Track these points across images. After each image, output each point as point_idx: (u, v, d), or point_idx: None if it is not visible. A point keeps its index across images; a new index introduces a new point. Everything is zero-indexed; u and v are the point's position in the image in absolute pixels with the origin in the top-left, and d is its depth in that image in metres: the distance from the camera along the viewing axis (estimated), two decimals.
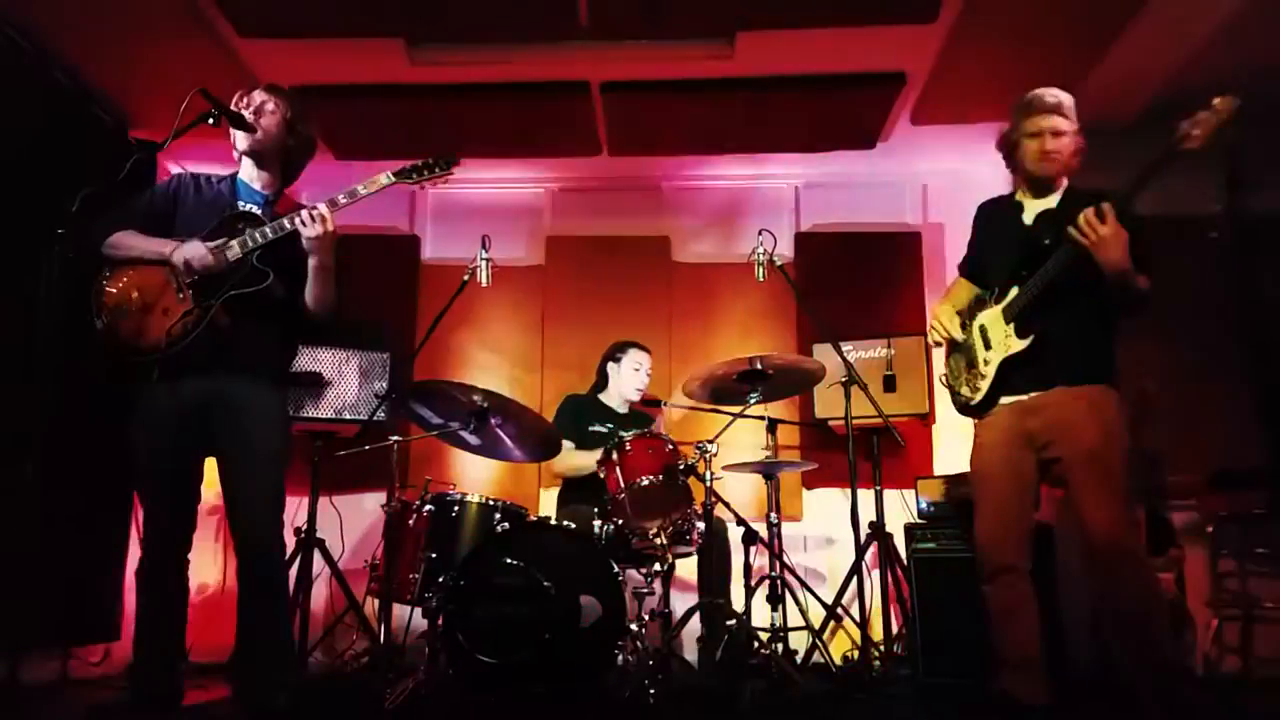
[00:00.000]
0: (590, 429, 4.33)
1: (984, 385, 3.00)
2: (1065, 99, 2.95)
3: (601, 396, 4.59)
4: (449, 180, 3.08)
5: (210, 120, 2.80)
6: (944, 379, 3.24)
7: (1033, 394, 2.92)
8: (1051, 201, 3.00)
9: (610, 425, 4.27)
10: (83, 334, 2.77)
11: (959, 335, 3.11)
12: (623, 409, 4.54)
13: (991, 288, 3.07)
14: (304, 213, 2.85)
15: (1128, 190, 2.73)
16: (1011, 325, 2.93)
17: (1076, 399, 2.84)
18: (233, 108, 2.98)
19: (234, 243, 2.85)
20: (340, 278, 3.01)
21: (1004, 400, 2.99)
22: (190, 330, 2.79)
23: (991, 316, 3.02)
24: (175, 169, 4.87)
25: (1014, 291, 2.94)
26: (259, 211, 2.95)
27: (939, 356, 4.45)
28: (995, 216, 3.20)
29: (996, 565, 2.93)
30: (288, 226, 2.85)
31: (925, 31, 4.02)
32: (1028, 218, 3.03)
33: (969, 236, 3.33)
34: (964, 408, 3.13)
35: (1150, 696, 2.69)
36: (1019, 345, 2.90)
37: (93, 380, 3.65)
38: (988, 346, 3.02)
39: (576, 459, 4.24)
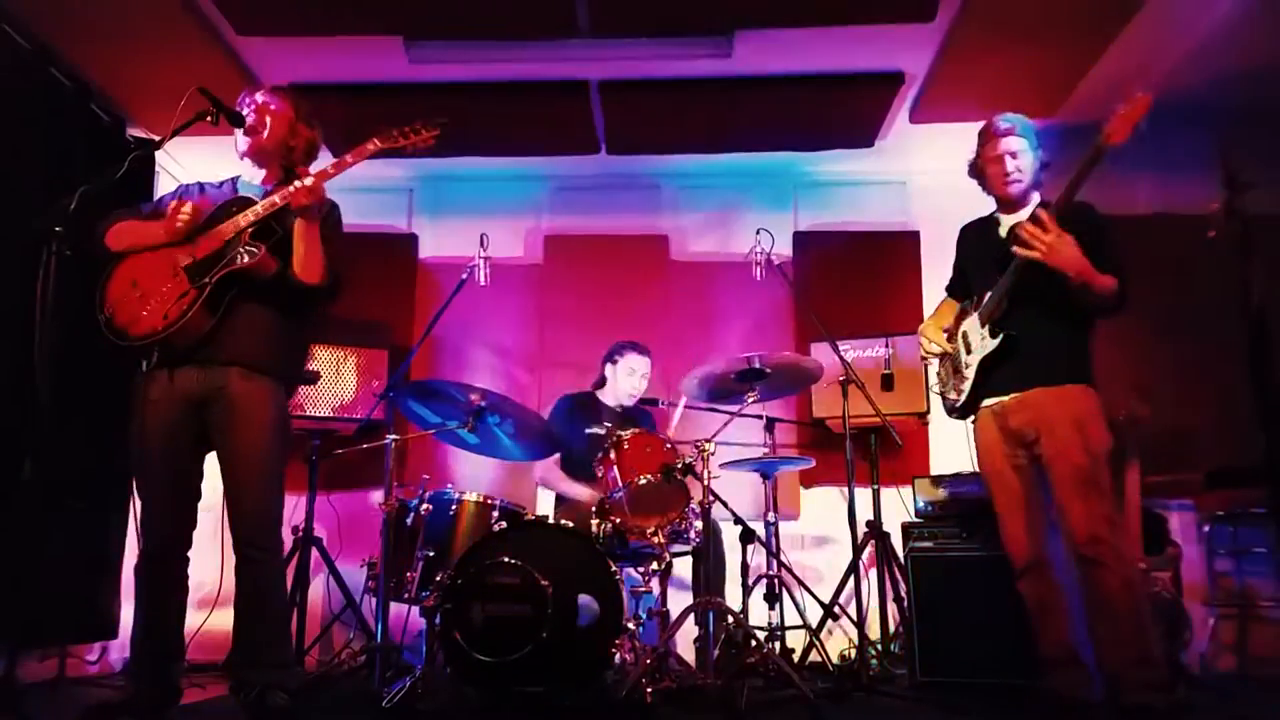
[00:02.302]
0: (587, 431, 4.32)
1: (966, 387, 3.17)
2: (1018, 121, 3.14)
3: (600, 394, 4.59)
4: (431, 145, 3.02)
5: (209, 118, 2.81)
6: (935, 386, 3.41)
7: (1012, 394, 3.04)
8: (1024, 214, 3.12)
9: (608, 426, 4.25)
10: (81, 332, 2.78)
11: (946, 347, 3.28)
12: (621, 410, 4.54)
13: (973, 297, 3.23)
14: (293, 184, 2.85)
15: (1063, 193, 2.86)
16: (986, 328, 3.09)
17: (1055, 399, 2.96)
18: (236, 109, 2.98)
19: (226, 223, 2.85)
20: (336, 250, 3.00)
21: (987, 402, 3.13)
22: (186, 312, 2.79)
23: (970, 322, 3.19)
24: (172, 165, 4.88)
25: (988, 296, 3.10)
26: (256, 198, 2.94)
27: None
28: (976, 234, 3.36)
29: (1024, 562, 3.01)
30: (278, 202, 2.86)
31: (923, 30, 4.02)
32: (1003, 231, 3.18)
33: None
34: (950, 410, 3.30)
35: (1129, 692, 2.72)
36: (991, 345, 3.06)
37: (92, 378, 3.65)
38: (969, 351, 3.18)
39: (564, 487, 4.31)
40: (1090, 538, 2.80)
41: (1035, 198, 3.18)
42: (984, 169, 3.19)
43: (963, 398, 3.17)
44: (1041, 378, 2.98)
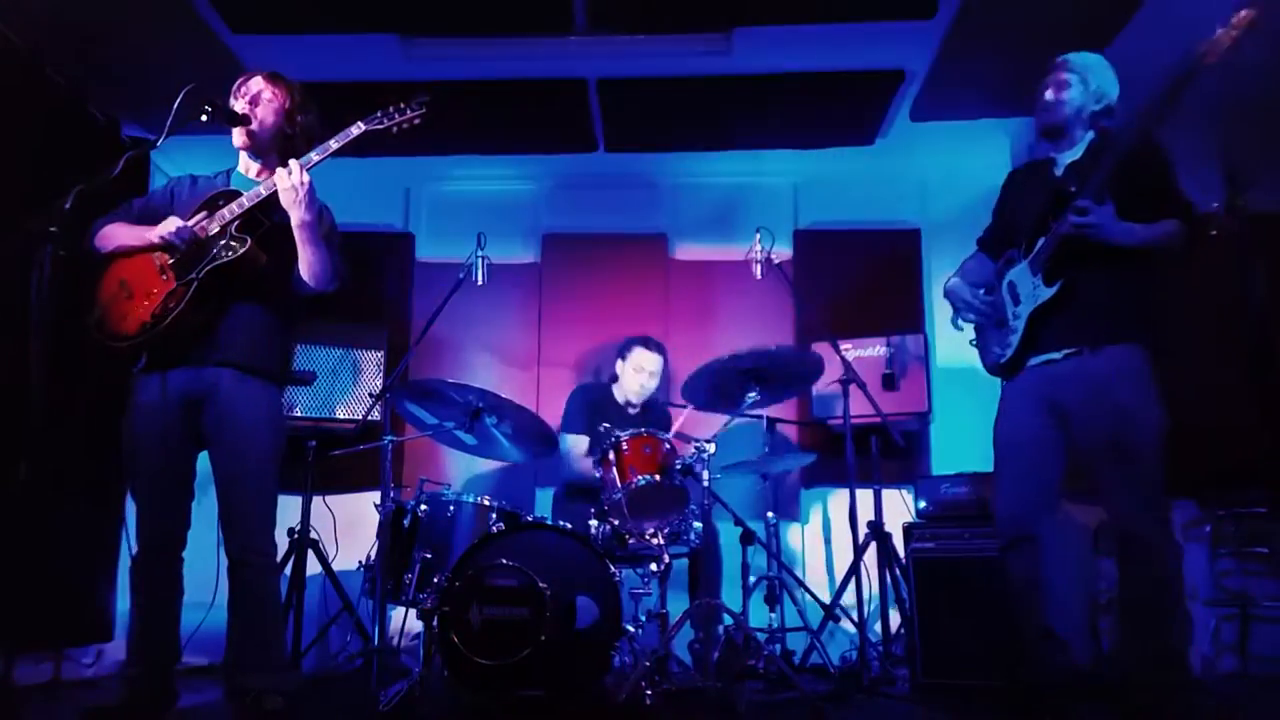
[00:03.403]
0: (601, 426, 4.29)
1: (1015, 340, 2.96)
2: (1077, 58, 3.00)
3: (615, 389, 4.56)
4: (417, 124, 3.00)
5: (203, 117, 2.78)
6: (973, 342, 3.21)
7: (1064, 352, 2.86)
8: (1077, 153, 3.01)
9: (606, 426, 4.18)
10: (77, 332, 2.76)
11: (978, 304, 3.10)
12: (632, 409, 4.50)
13: (1019, 244, 3.02)
14: (278, 171, 2.83)
15: (1144, 114, 2.70)
16: (1039, 275, 2.88)
17: (1104, 374, 2.77)
18: (231, 96, 2.95)
19: (212, 218, 2.83)
20: (337, 246, 3.00)
21: (1034, 360, 2.94)
22: (173, 308, 2.76)
23: (1019, 271, 2.98)
24: (168, 164, 4.85)
25: (1041, 242, 2.90)
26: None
27: (942, 344, 4.49)
28: (1026, 177, 3.22)
29: (1012, 534, 2.94)
30: (263, 193, 2.83)
31: (924, 28, 4.00)
32: (1058, 170, 3.04)
33: (990, 214, 3.33)
34: (994, 367, 3.10)
35: (1146, 689, 2.68)
36: (1047, 293, 2.85)
37: (86, 379, 3.62)
38: (1017, 301, 2.97)
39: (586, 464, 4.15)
40: (1127, 532, 2.73)
41: (1088, 135, 3.01)
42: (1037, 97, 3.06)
43: (1009, 352, 2.96)
44: (1092, 336, 2.79)
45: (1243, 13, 2.52)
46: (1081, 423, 2.82)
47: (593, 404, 4.40)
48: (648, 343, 4.50)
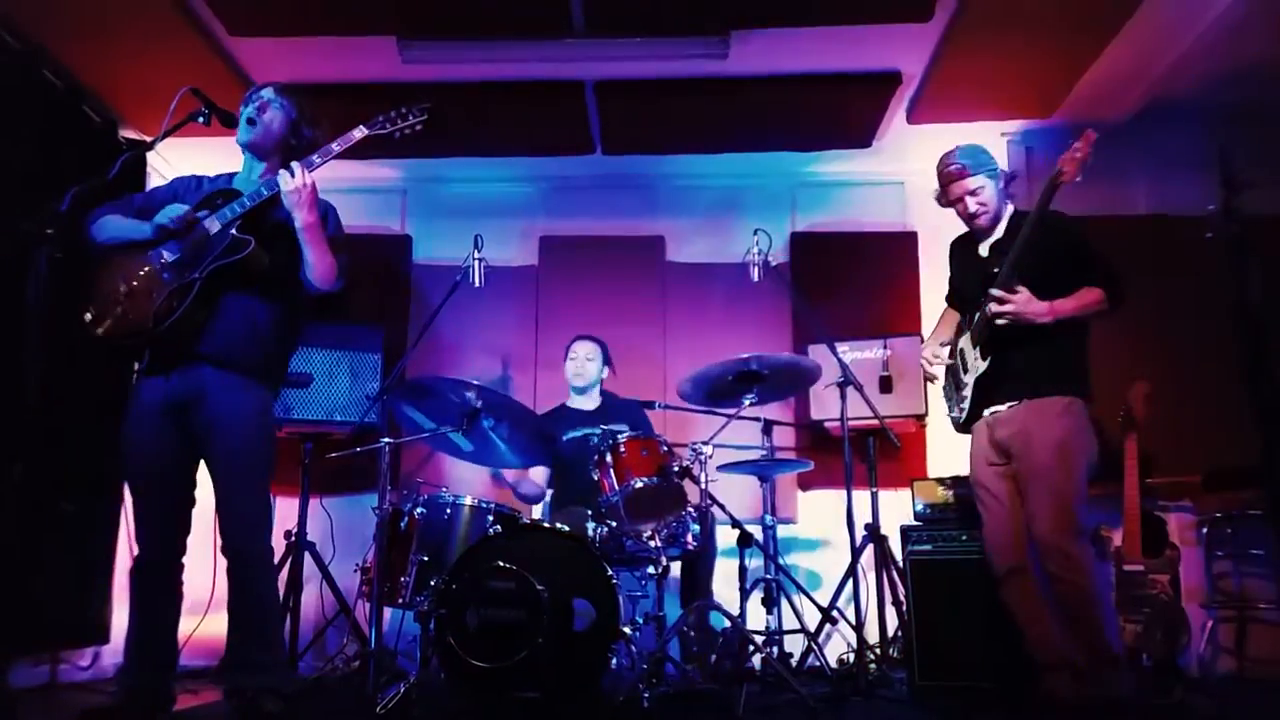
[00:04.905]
0: (565, 437, 4.30)
1: (966, 405, 3.25)
2: (968, 158, 3.20)
3: (568, 402, 4.59)
4: (419, 129, 3.03)
5: (200, 119, 2.78)
6: (943, 399, 3.50)
7: (1007, 405, 3.13)
8: (999, 232, 3.26)
9: (593, 429, 4.15)
10: (72, 334, 2.75)
11: (946, 362, 3.39)
12: (590, 406, 4.52)
13: (966, 315, 3.31)
14: (280, 172, 2.83)
15: (1028, 229, 2.96)
16: (977, 349, 3.15)
17: (1036, 413, 3.05)
18: (240, 106, 2.95)
19: (213, 216, 2.82)
20: (348, 255, 3.01)
21: (984, 413, 3.22)
22: (176, 308, 2.75)
23: (965, 341, 3.26)
24: (164, 166, 4.84)
25: (976, 317, 3.16)
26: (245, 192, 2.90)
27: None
28: (962, 250, 3.45)
29: (1003, 569, 3.13)
30: (264, 193, 2.83)
31: (920, 30, 4.01)
32: (983, 250, 3.29)
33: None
34: (955, 425, 3.39)
35: (1091, 685, 2.87)
36: (982, 366, 3.14)
37: (84, 380, 3.62)
38: (965, 369, 3.26)
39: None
40: (1052, 545, 2.93)
41: (1009, 211, 3.26)
42: (950, 205, 3.29)
43: (964, 415, 3.27)
44: (1028, 391, 3.07)
45: (1086, 133, 2.87)
46: (1017, 454, 3.07)
47: (552, 423, 4.41)
48: (581, 337, 4.61)
